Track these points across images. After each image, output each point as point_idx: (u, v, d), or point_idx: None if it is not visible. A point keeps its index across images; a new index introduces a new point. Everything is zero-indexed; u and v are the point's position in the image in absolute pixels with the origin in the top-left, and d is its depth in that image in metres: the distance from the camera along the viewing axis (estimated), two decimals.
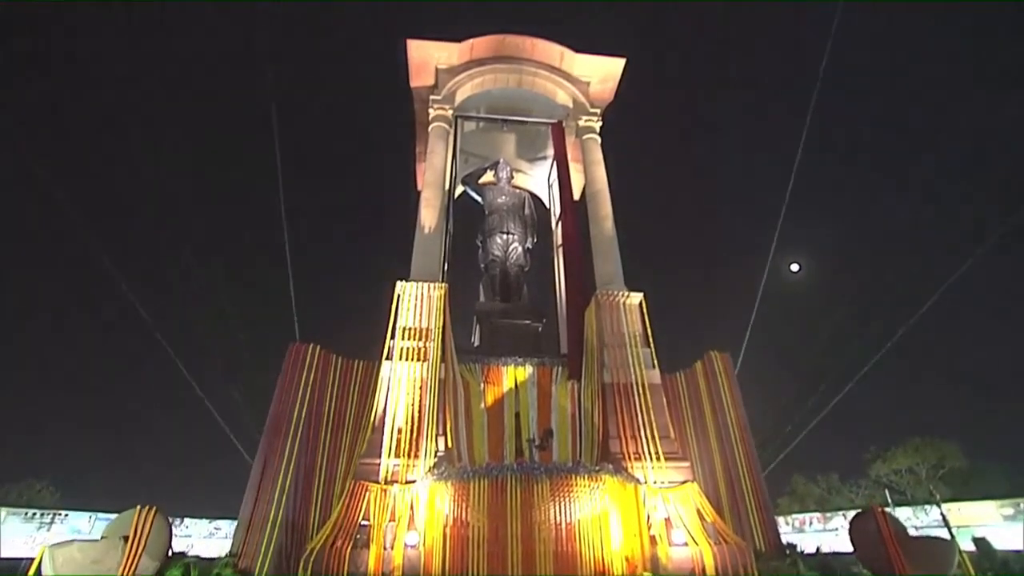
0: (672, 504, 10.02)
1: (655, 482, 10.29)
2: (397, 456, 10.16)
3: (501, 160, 19.01)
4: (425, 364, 11.39)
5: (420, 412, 10.80)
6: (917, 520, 37.80)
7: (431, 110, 16.33)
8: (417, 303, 12.23)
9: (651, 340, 12.62)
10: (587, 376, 12.38)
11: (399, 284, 12.42)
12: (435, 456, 10.34)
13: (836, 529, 40.22)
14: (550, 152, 19.34)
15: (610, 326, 12.61)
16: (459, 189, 18.86)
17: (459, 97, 17.05)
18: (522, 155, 20.79)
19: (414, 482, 9.76)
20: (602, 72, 17.67)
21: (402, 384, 11.10)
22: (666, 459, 10.71)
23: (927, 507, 37.88)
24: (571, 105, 17.45)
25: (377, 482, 9.76)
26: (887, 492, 42.03)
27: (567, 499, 8.70)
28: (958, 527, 34.28)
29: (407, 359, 11.41)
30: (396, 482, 9.79)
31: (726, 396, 12.71)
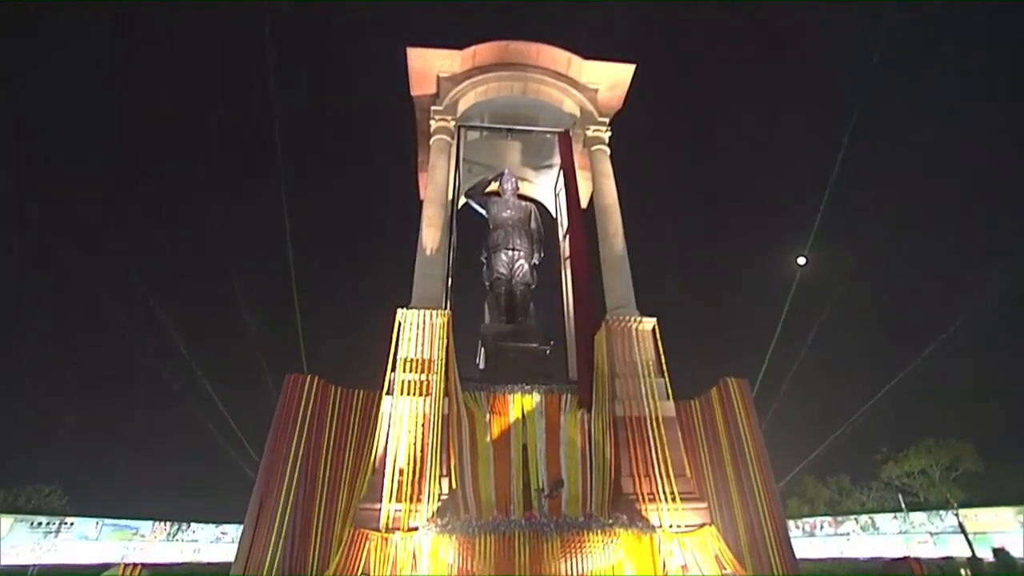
0: (689, 551, 9.45)
1: (670, 526, 9.73)
2: (399, 500, 9.63)
3: (506, 171, 18.34)
4: (428, 399, 10.84)
5: (423, 452, 10.26)
6: (932, 526, 37.17)
7: (432, 122, 15.67)
8: (419, 332, 11.65)
9: (665, 368, 12.00)
10: (598, 407, 11.81)
11: (400, 312, 11.84)
12: (439, 500, 9.81)
13: (847, 534, 39.72)
14: (556, 160, 18.66)
15: (621, 354, 11.99)
16: (462, 200, 18.28)
17: (461, 107, 16.37)
18: (527, 163, 20.12)
19: (416, 529, 9.24)
20: (611, 79, 16.90)
21: (403, 421, 10.56)
22: (682, 500, 10.13)
23: (942, 513, 37.21)
24: (578, 114, 16.72)
25: (378, 530, 9.25)
26: (900, 496, 41.37)
27: (579, 555, 8.17)
28: (975, 533, 33.70)
29: (409, 393, 10.86)
30: (398, 529, 9.27)
31: (743, 426, 12.07)
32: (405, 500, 9.65)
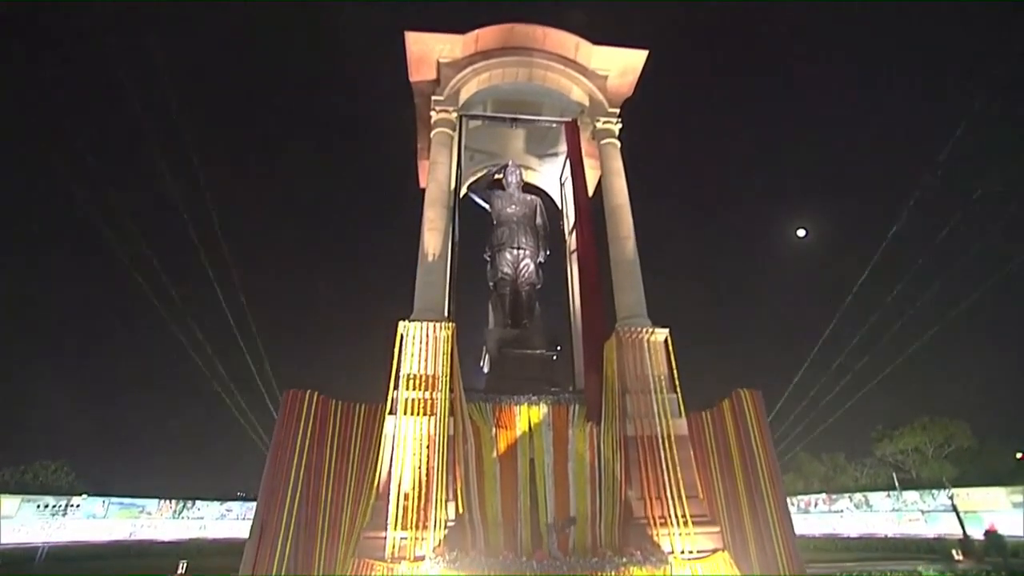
0: None
1: (682, 552, 9.52)
2: (404, 528, 9.36)
3: (510, 163, 17.47)
4: (432, 419, 10.45)
5: (428, 475, 9.94)
6: (924, 504, 37.91)
7: (433, 113, 14.74)
8: (422, 346, 11.15)
9: (677, 383, 11.60)
10: (607, 423, 11.45)
11: (401, 324, 11.31)
12: (445, 527, 9.55)
13: (841, 511, 40.59)
14: (562, 148, 17.83)
15: (632, 368, 11.56)
16: (464, 189, 17.50)
17: (463, 95, 15.38)
18: (532, 151, 19.23)
19: (423, 558, 9.00)
20: (621, 65, 15.86)
21: (408, 443, 10.20)
22: (694, 524, 9.89)
23: (934, 491, 37.88)
24: (587, 103, 15.77)
25: (383, 559, 9.01)
26: (893, 473, 42.10)
27: None
28: (966, 512, 34.34)
29: (413, 413, 10.46)
30: (404, 559, 9.03)
31: (756, 442, 11.79)
32: (411, 527, 9.39)
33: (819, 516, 40.19)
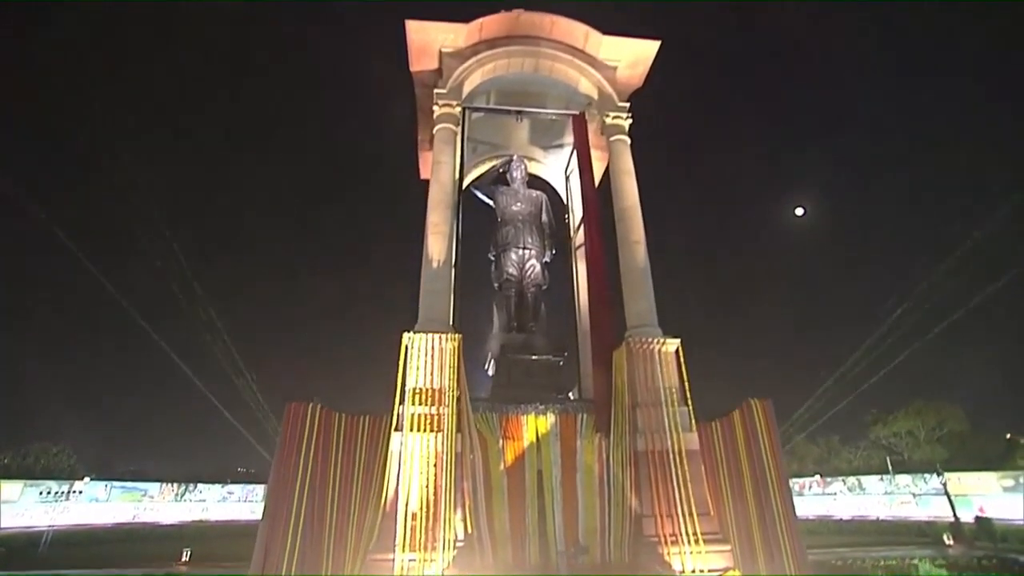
0: None
1: (693, 571, 9.44)
2: (412, 549, 9.21)
3: (515, 157, 16.84)
4: (439, 435, 10.21)
5: (436, 494, 9.75)
6: (916, 488, 38.63)
7: (436, 107, 14.05)
8: (427, 360, 10.82)
9: (688, 396, 11.37)
10: (616, 436, 11.25)
11: (406, 336, 10.95)
12: (454, 547, 9.41)
13: (835, 494, 41.38)
14: (568, 139, 17.19)
15: (643, 379, 11.30)
16: (467, 181, 16.92)
17: (467, 88, 14.67)
18: (536, 142, 18.55)
19: None
20: (632, 56, 15.11)
21: (414, 461, 9.97)
22: (705, 542, 9.79)
23: (926, 475, 38.56)
24: (595, 96, 15.09)
25: None
26: (887, 458, 42.76)
27: None
28: (957, 496, 34.99)
29: (419, 430, 10.20)
30: None
31: (766, 453, 11.66)
32: (419, 549, 9.23)
33: (813, 498, 40.94)
